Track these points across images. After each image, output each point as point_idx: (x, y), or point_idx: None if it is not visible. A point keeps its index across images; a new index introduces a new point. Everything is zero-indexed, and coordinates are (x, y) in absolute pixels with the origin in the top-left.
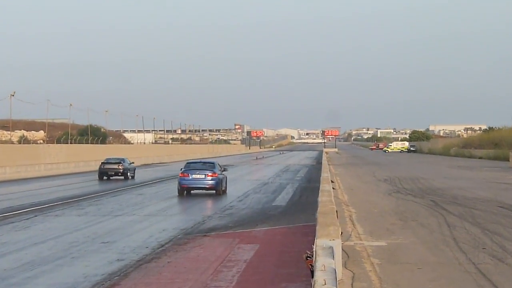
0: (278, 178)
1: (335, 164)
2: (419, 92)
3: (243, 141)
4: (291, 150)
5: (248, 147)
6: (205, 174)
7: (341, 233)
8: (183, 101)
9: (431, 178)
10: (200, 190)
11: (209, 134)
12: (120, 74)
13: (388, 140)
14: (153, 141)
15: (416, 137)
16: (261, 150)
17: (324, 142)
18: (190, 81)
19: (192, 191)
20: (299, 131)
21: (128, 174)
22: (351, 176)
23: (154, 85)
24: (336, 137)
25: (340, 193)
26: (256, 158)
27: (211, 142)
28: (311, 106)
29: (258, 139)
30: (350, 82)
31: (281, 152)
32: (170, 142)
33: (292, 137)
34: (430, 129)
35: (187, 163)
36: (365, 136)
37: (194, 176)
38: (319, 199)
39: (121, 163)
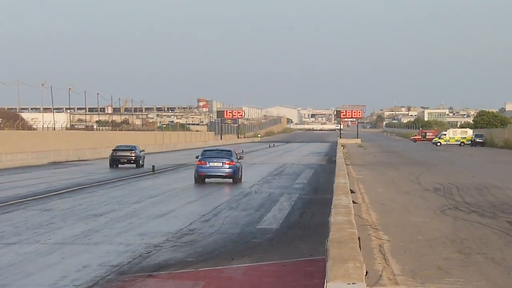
0: (266, 185)
1: (357, 164)
2: (490, 53)
3: (210, 126)
4: (287, 142)
5: (219, 136)
6: (222, 162)
7: (366, 273)
8: (117, 64)
9: (508, 186)
10: (217, 179)
11: (158, 116)
12: (16, 20)
13: (441, 126)
14: (68, 126)
15: (484, 121)
16: (239, 140)
17: (340, 129)
18: (127, 35)
19: (206, 179)
20: (301, 112)
21: (140, 162)
22: (383, 183)
23: (70, 39)
24: (359, 120)
25: (365, 210)
26: None
27: (160, 128)
28: (319, 73)
29: (235, 123)
30: (380, 37)
31: (272, 145)
32: (95, 127)
33: (290, 121)
34: (506, 110)
35: (204, 150)
36: (404, 120)
37: (211, 164)
38: (332, 219)
39: (133, 150)
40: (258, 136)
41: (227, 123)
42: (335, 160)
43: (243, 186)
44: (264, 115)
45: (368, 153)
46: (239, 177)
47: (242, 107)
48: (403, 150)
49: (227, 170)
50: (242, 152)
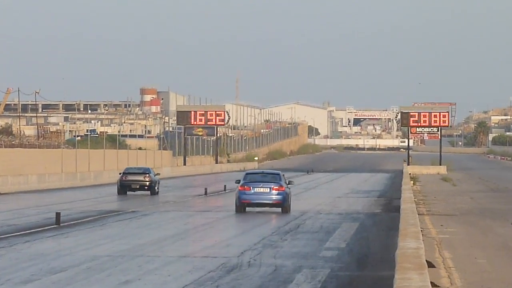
0: (269, 252)
1: (439, 214)
2: None
3: (166, 140)
4: (309, 171)
5: (182, 159)
6: (270, 188)
7: None
8: None
9: None
10: (263, 208)
11: (67, 120)
12: None
13: None
14: None
15: None
16: (219, 167)
17: (408, 147)
18: None
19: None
20: (335, 114)
21: (156, 188)
22: (488, 250)
23: None
24: (444, 131)
25: None
26: (205, 194)
27: (71, 142)
28: (367, 46)
29: (212, 134)
30: None
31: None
32: None
33: (314, 131)
34: None
35: (246, 173)
36: None
37: (257, 189)
38: None
39: (147, 173)
40: (254, 160)
41: (197, 135)
42: (399, 206)
43: (227, 254)
44: (266, 121)
45: (461, 192)
46: (289, 205)
47: (225, 105)
48: None
49: (275, 197)
50: (225, 190)
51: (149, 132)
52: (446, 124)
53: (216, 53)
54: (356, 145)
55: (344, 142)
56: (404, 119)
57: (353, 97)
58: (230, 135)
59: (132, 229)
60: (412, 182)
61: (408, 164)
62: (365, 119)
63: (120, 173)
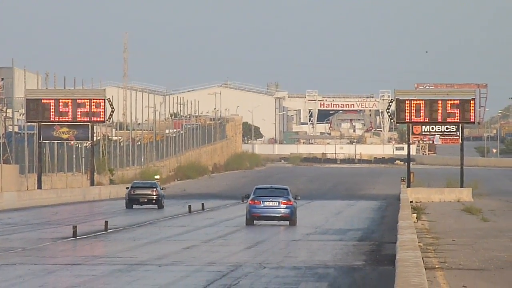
0: None
1: (460, 267)
2: None
3: (6, 147)
4: (244, 199)
5: (35, 180)
6: (278, 202)
7: None
8: None
9: None
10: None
11: None
12: None
13: None
14: None
15: None
16: (100, 192)
17: (408, 159)
18: None
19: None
20: (284, 103)
21: (162, 202)
22: None
23: None
24: (467, 128)
25: None
26: (74, 236)
27: None
28: None
29: (85, 136)
30: None
31: (199, 207)
32: None
33: (253, 134)
34: None
35: (256, 188)
36: None
37: (266, 203)
38: None
39: (154, 187)
40: (155, 179)
41: (60, 139)
42: (394, 255)
43: None
44: (174, 115)
45: (497, 230)
46: (296, 218)
47: (105, 90)
48: None
49: (283, 211)
50: None
51: None
52: (471, 119)
53: (92, 9)
54: (323, 154)
55: (303, 149)
56: (402, 112)
57: (317, 76)
58: (115, 138)
59: None
60: (415, 215)
61: (409, 186)
62: (337, 111)
63: (127, 187)
